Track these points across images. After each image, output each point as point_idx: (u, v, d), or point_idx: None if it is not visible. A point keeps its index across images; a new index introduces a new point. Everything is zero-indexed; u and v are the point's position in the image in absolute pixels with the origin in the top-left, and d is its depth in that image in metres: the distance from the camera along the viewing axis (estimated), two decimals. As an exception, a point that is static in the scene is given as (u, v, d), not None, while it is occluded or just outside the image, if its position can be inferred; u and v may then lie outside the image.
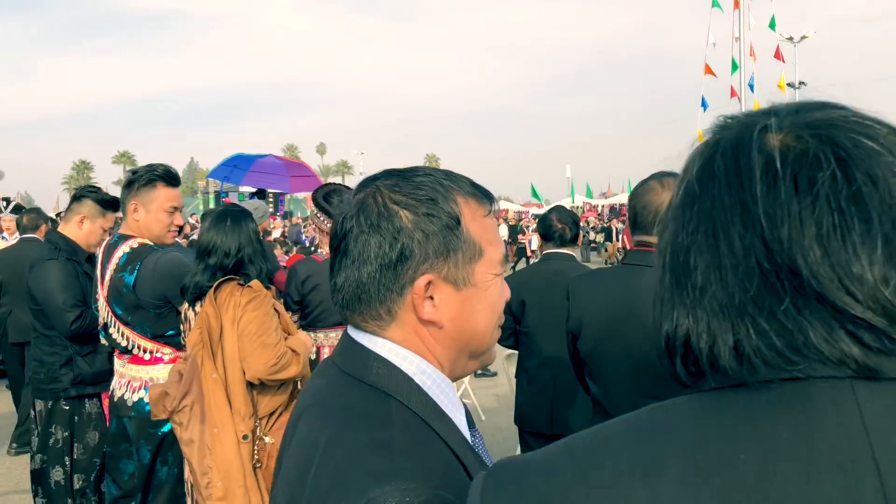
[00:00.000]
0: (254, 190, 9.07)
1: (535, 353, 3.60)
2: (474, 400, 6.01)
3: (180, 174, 3.86)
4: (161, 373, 2.96)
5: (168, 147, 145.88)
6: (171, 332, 2.96)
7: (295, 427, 0.95)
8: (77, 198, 3.79)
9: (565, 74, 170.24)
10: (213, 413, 2.61)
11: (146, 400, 2.90)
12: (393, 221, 0.90)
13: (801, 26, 17.37)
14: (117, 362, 3.12)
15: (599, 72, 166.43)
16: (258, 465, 2.57)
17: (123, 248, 2.98)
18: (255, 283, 2.65)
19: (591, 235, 28.48)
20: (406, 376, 0.90)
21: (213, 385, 2.63)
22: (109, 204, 3.83)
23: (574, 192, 45.20)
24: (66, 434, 3.63)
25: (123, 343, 3.00)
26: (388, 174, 0.96)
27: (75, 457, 3.65)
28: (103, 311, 3.07)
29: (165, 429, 2.91)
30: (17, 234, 8.02)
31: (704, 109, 18.06)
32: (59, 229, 3.79)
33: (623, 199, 45.48)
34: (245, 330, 2.57)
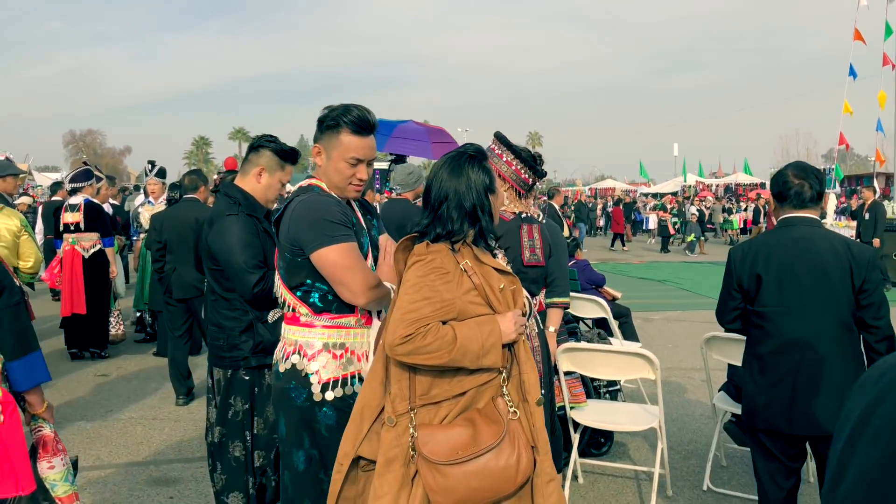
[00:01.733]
0: (392, 157, 8.72)
1: (774, 336, 3.03)
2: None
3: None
4: (298, 336, 2.55)
5: (279, 123, 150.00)
6: (305, 287, 2.53)
7: None
8: (254, 148, 3.44)
9: (672, 49, 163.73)
10: (365, 382, 2.30)
11: (279, 364, 2.61)
12: None
13: None
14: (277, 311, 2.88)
15: (708, 46, 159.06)
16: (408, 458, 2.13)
17: (296, 186, 2.71)
18: (421, 246, 2.18)
19: (718, 217, 27.02)
20: None
21: (379, 352, 2.27)
22: (288, 155, 3.47)
23: (686, 170, 43.31)
24: (247, 407, 3.31)
25: (277, 292, 2.68)
26: None
27: (255, 432, 3.33)
28: (276, 255, 2.82)
29: (301, 401, 2.52)
30: (163, 198, 8.01)
31: (854, 78, 16.56)
32: (237, 182, 3.45)
33: (738, 178, 43.43)
34: (397, 298, 2.14)
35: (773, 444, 3.07)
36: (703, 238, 24.09)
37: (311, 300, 2.54)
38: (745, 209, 29.00)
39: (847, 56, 16.86)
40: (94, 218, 7.54)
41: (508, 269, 2.31)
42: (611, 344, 5.06)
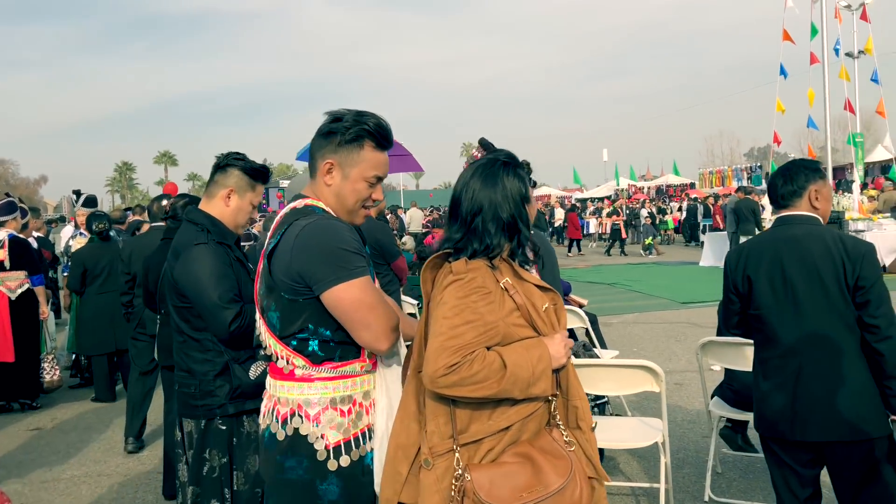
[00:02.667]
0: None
1: (773, 340, 2.90)
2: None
3: None
4: (295, 395, 2.10)
5: (207, 145, 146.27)
6: (303, 335, 2.09)
7: None
8: (221, 167, 3.08)
9: (600, 57, 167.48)
10: (396, 420, 2.02)
11: (273, 430, 2.13)
12: None
13: None
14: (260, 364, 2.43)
15: (635, 53, 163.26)
16: None
17: (286, 210, 2.20)
18: (460, 263, 1.94)
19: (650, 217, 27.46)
20: None
21: (408, 384, 2.02)
22: (259, 174, 3.12)
23: (618, 174, 44.21)
24: (225, 460, 2.92)
25: (262, 339, 2.23)
26: None
27: (235, 488, 2.94)
28: (256, 291, 2.29)
29: (301, 473, 2.09)
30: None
31: (785, 77, 17.06)
32: (202, 206, 3.08)
33: (668, 180, 44.63)
34: (434, 322, 1.89)
35: (782, 451, 2.92)
36: (657, 239, 24.59)
37: (310, 349, 2.10)
38: (680, 209, 29.64)
39: (777, 56, 17.36)
40: (21, 255, 6.93)
41: (548, 285, 2.07)
42: (596, 356, 4.84)
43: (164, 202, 5.20)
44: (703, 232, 23.13)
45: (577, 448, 1.99)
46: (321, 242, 2.04)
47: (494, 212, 1.97)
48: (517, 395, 1.88)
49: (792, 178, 2.98)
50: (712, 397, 4.46)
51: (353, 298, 2.03)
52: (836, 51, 16.21)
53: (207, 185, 3.12)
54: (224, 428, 2.91)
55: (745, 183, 32.81)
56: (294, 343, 2.10)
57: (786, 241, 2.89)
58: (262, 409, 2.24)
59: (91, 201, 8.10)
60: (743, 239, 15.26)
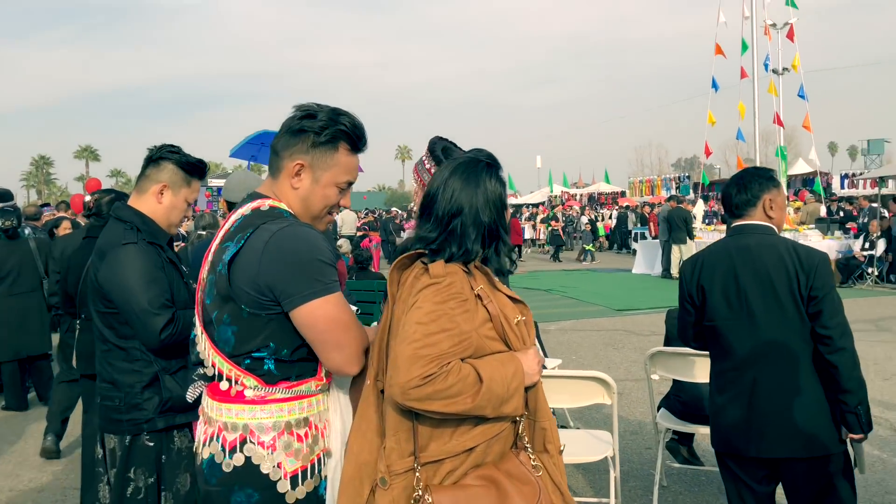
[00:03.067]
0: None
1: (728, 352, 2.84)
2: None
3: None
4: (245, 419, 1.87)
5: (131, 140, 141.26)
6: (260, 354, 1.87)
7: None
8: (153, 160, 2.82)
9: (534, 65, 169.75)
10: (353, 435, 1.84)
11: (218, 460, 1.89)
12: None
13: (787, 12, 16.97)
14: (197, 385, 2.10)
15: (568, 62, 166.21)
16: None
17: (244, 210, 1.95)
18: (438, 265, 1.79)
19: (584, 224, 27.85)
20: None
21: (367, 393, 1.85)
22: (196, 168, 2.88)
23: (552, 181, 44.79)
24: (152, 480, 2.66)
25: (203, 355, 1.98)
26: None
27: (164, 510, 2.70)
28: (197, 300, 2.06)
29: None
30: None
31: (716, 90, 17.54)
32: (131, 203, 2.82)
33: (600, 188, 45.46)
34: (405, 326, 1.73)
35: (738, 467, 2.86)
36: (596, 245, 24.99)
37: (265, 368, 1.87)
38: (611, 216, 30.17)
39: (708, 69, 17.81)
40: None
41: (519, 297, 1.94)
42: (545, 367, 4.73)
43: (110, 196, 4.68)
44: (635, 240, 23.57)
45: (544, 473, 1.86)
46: (295, 252, 1.82)
47: (476, 215, 1.84)
48: (489, 413, 1.74)
49: (746, 186, 2.93)
50: (658, 409, 4.41)
51: (327, 316, 1.83)
52: (766, 66, 16.75)
53: (138, 180, 2.86)
54: (152, 444, 2.66)
55: (673, 192, 33.69)
56: (247, 362, 1.88)
57: (739, 251, 2.84)
58: (200, 435, 2.00)
59: (4, 196, 7.57)
60: (675, 247, 15.60)
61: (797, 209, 16.84)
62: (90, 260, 2.82)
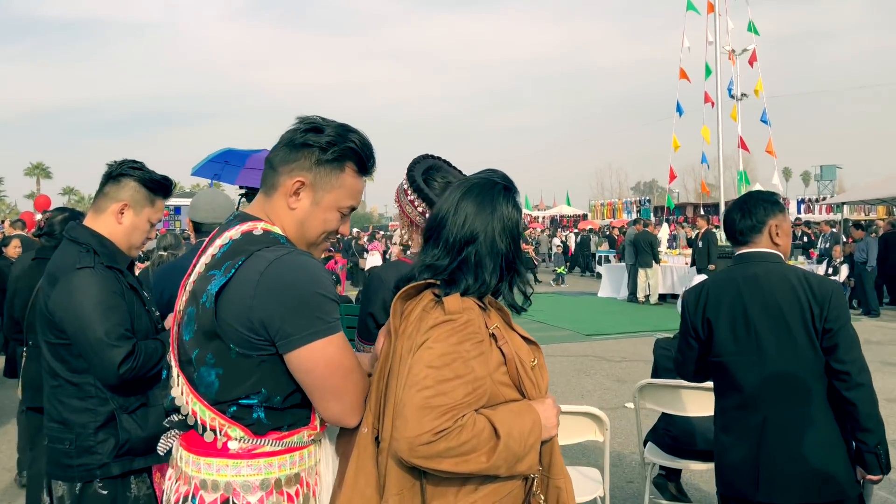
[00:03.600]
0: (243, 191, 7.78)
1: (735, 389, 2.68)
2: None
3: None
4: (229, 475, 1.62)
5: (86, 158, 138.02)
6: (249, 401, 1.61)
7: None
8: (114, 177, 2.56)
9: (496, 88, 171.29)
10: (349, 490, 1.59)
11: None
12: None
13: (748, 38, 17.36)
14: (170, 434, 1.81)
15: (529, 86, 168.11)
16: None
17: (232, 233, 1.69)
18: (454, 299, 1.58)
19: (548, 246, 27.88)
20: None
21: (362, 442, 1.61)
22: (160, 186, 2.63)
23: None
24: (105, 533, 2.38)
25: (179, 401, 1.69)
26: None
27: (118, 568, 2.40)
28: (173, 334, 1.78)
29: None
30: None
31: (681, 115, 17.71)
32: (88, 223, 2.55)
33: (562, 210, 45.83)
34: (413, 369, 1.51)
35: None
36: (566, 268, 24.94)
37: (254, 417, 1.62)
38: (573, 237, 30.28)
39: (667, 94, 17.99)
40: None
41: (532, 338, 1.76)
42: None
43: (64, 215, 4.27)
44: (599, 262, 23.61)
45: None
46: (295, 285, 1.58)
47: (492, 244, 1.65)
48: (503, 472, 1.53)
49: (750, 212, 2.78)
50: (645, 443, 4.22)
51: (329, 361, 1.59)
52: (730, 91, 16.97)
53: (95, 198, 2.59)
54: (105, 492, 2.38)
55: (634, 215, 34.01)
56: (233, 410, 1.62)
57: (747, 281, 2.68)
58: (170, 493, 1.72)
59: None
60: (641, 271, 15.59)
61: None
62: (39, 284, 2.53)
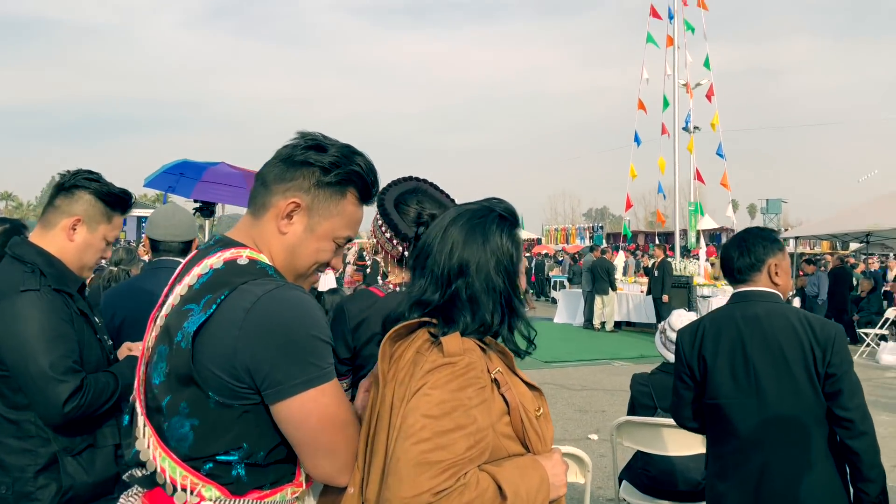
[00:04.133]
0: (197, 204, 7.47)
1: (732, 434, 2.57)
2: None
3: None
4: None
5: (31, 164, 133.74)
6: (228, 457, 1.40)
7: None
8: (66, 189, 2.31)
9: (452, 110, 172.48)
10: None
11: None
12: None
13: (704, 73, 17.82)
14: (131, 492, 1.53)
15: (484, 109, 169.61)
16: None
17: (213, 261, 1.47)
18: (454, 339, 1.40)
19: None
20: None
21: (352, 500, 1.44)
22: (119, 201, 2.38)
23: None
24: None
25: (144, 455, 1.45)
26: None
27: None
28: (139, 376, 1.53)
29: None
30: None
31: (639, 145, 17.95)
32: (35, 239, 2.28)
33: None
34: (408, 418, 1.33)
35: None
36: (531, 293, 24.89)
37: (233, 475, 1.41)
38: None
39: (620, 122, 18.23)
40: None
41: (535, 384, 1.59)
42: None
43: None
44: (554, 287, 23.66)
45: None
46: (286, 325, 1.38)
47: (487, 278, 1.47)
48: None
49: (749, 250, 2.68)
50: (620, 481, 4.07)
51: (323, 413, 1.39)
52: (687, 123, 17.25)
53: (44, 211, 2.32)
54: (44, 546, 2.11)
55: (587, 242, 34.34)
56: (208, 467, 1.39)
57: (747, 321, 2.58)
58: None
59: None
60: (598, 298, 15.61)
61: (713, 264, 17.27)
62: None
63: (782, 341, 2.49)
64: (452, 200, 2.27)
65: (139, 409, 1.48)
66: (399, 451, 1.31)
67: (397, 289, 2.33)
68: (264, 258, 1.50)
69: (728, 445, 2.57)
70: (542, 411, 1.55)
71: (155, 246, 3.09)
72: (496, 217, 1.53)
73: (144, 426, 1.45)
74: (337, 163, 1.52)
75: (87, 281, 2.70)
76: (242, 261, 1.46)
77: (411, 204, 2.24)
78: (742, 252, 2.68)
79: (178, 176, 6.90)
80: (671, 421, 3.25)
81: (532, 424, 1.49)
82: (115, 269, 4.65)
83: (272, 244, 1.53)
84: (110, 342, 2.39)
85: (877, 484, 2.39)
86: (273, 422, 1.39)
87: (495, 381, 1.44)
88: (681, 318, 3.80)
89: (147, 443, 1.44)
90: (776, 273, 2.65)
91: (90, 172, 2.36)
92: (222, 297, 1.38)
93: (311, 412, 1.37)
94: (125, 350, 2.39)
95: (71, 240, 2.28)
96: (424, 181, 2.36)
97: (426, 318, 1.48)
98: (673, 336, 3.73)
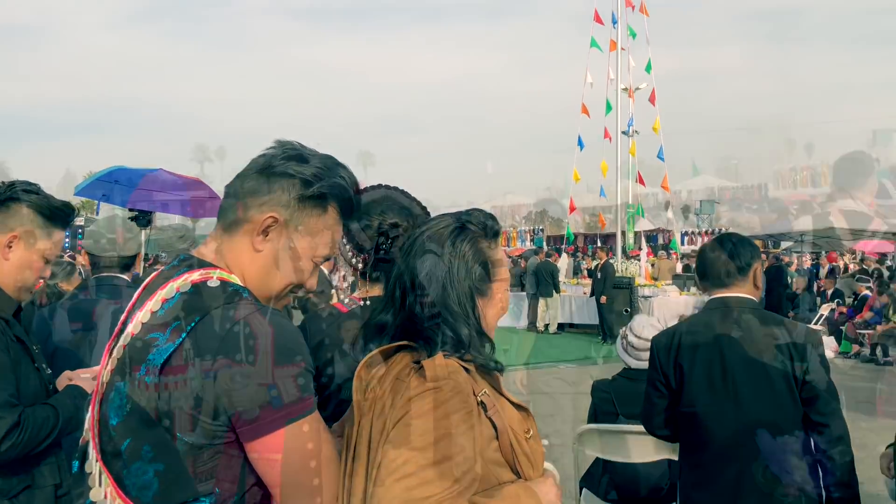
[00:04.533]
0: (132, 214, 7.16)
1: (707, 442, 2.55)
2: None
3: None
4: None
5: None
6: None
7: None
8: (1, 202, 2.11)
9: (393, 114, 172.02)
10: None
11: None
12: None
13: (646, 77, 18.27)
14: None
15: (426, 112, 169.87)
16: None
17: (179, 283, 1.33)
18: (436, 362, 1.31)
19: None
20: None
21: None
22: (59, 214, 2.19)
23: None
24: None
25: (98, 497, 1.30)
26: None
27: None
28: (93, 415, 1.35)
29: None
30: None
31: (581, 149, 18.14)
32: (-38, 258, 2.08)
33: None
34: (390, 452, 1.25)
35: None
36: None
37: None
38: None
39: (561, 125, 18.44)
40: None
41: (523, 404, 1.50)
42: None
43: None
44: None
45: None
46: (264, 354, 1.24)
47: (446, 290, 1.39)
48: None
49: (738, 254, 2.65)
50: (581, 489, 4.02)
51: (303, 449, 1.26)
52: (629, 127, 17.54)
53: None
54: None
55: (528, 244, 34.61)
56: None
57: (725, 328, 2.55)
58: None
59: None
60: (542, 301, 15.70)
61: (653, 264, 17.58)
62: None
63: (761, 347, 2.48)
64: (423, 208, 2.16)
65: (93, 453, 1.32)
66: (381, 491, 1.21)
67: (361, 302, 2.21)
68: (236, 279, 1.36)
69: (703, 454, 2.55)
70: (531, 433, 1.47)
71: (95, 262, 2.88)
72: (456, 228, 1.45)
73: (101, 473, 1.29)
74: (319, 175, 1.40)
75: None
76: (213, 283, 1.32)
77: (374, 214, 2.12)
78: (730, 255, 2.64)
79: (113, 183, 6.59)
80: (635, 427, 3.22)
81: (522, 448, 1.41)
82: (41, 281, 4.36)
83: (244, 262, 1.40)
84: (49, 371, 2.20)
85: (851, 489, 2.40)
86: (248, 462, 1.26)
87: (482, 403, 1.35)
88: (644, 324, 3.78)
89: (104, 493, 1.28)
90: (757, 278, 2.65)
91: (28, 184, 2.17)
92: (192, 324, 1.24)
93: (291, 450, 1.25)
94: (65, 380, 2.20)
95: (6, 258, 2.09)
96: (395, 188, 2.24)
97: (404, 343, 1.39)
98: (635, 341, 3.71)
